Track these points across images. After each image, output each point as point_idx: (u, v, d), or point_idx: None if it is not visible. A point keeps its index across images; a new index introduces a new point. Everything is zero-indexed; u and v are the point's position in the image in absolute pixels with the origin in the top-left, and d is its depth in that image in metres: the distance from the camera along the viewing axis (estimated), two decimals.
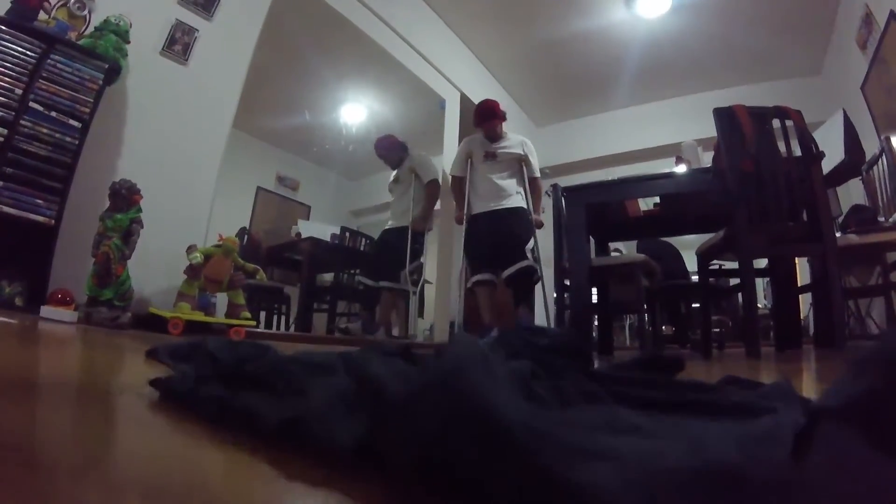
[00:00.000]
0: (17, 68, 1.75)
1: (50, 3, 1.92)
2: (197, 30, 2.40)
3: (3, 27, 1.73)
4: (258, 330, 2.52)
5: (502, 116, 3.31)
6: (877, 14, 3.23)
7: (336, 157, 5.03)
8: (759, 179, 1.82)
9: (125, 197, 1.93)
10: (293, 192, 5.18)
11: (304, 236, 4.18)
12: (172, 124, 2.33)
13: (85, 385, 0.62)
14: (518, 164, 3.29)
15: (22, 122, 1.74)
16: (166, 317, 2.00)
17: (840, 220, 2.63)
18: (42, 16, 1.88)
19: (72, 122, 1.85)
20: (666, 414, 0.36)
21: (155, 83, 2.26)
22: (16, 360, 0.73)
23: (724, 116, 1.91)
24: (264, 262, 3.93)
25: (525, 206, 3.21)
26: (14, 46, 1.75)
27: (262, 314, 4.22)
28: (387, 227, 3.66)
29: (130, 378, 0.78)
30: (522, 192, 3.25)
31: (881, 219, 2.32)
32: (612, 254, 3.72)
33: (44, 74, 1.79)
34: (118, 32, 2.01)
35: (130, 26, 2.08)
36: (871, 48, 3.38)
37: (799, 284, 2.71)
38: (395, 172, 3.70)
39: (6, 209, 1.70)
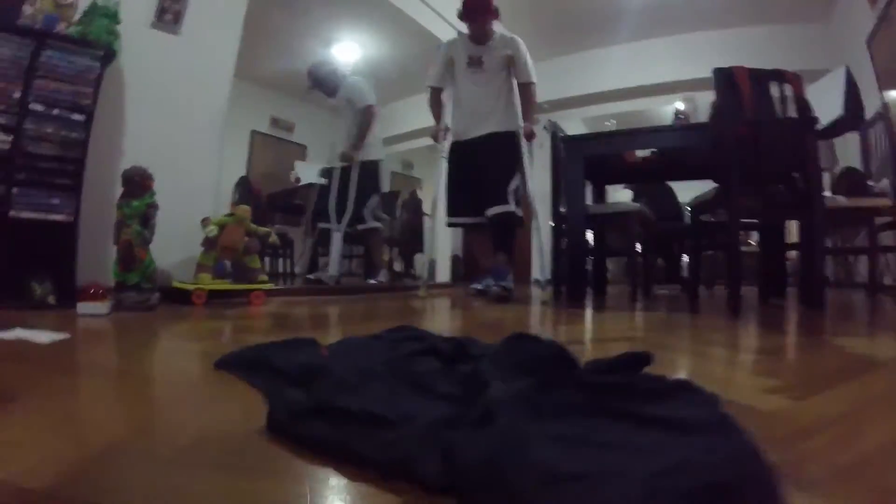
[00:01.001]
0: (12, 71, 1.69)
1: None
2: None
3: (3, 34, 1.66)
4: (274, 287, 2.60)
5: (495, 13, 2.71)
6: None
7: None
8: (755, 143, 1.86)
9: (139, 183, 1.95)
10: (288, 134, 5.10)
11: (302, 181, 4.20)
12: (172, 96, 2.29)
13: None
14: (507, 71, 2.75)
15: (26, 125, 1.71)
16: (190, 289, 2.11)
17: (836, 172, 2.69)
18: (28, 10, 1.78)
19: (75, 116, 1.82)
20: (636, 427, 0.48)
21: (149, 57, 2.19)
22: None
23: (723, 78, 1.90)
24: (265, 210, 3.98)
25: (513, 130, 2.72)
26: (3, 49, 1.68)
27: (268, 260, 4.32)
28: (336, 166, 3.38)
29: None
30: (513, 106, 2.74)
31: (871, 183, 2.38)
32: (611, 197, 3.77)
33: (39, 73, 1.74)
34: (108, 15, 1.92)
35: (118, 4, 1.99)
36: (881, 4, 3.26)
37: (787, 239, 2.82)
38: (333, 102, 3.44)
39: (25, 214, 1.73)
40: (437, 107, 2.91)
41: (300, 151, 5.09)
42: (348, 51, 4.43)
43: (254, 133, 4.71)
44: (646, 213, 2.86)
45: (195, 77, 2.38)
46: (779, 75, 1.87)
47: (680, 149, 2.46)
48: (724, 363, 1.08)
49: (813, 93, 2.43)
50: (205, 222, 2.26)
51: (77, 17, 1.92)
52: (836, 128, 2.38)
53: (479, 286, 2.89)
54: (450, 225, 2.94)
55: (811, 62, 4.05)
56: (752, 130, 1.83)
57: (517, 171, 2.72)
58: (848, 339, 1.37)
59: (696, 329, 1.62)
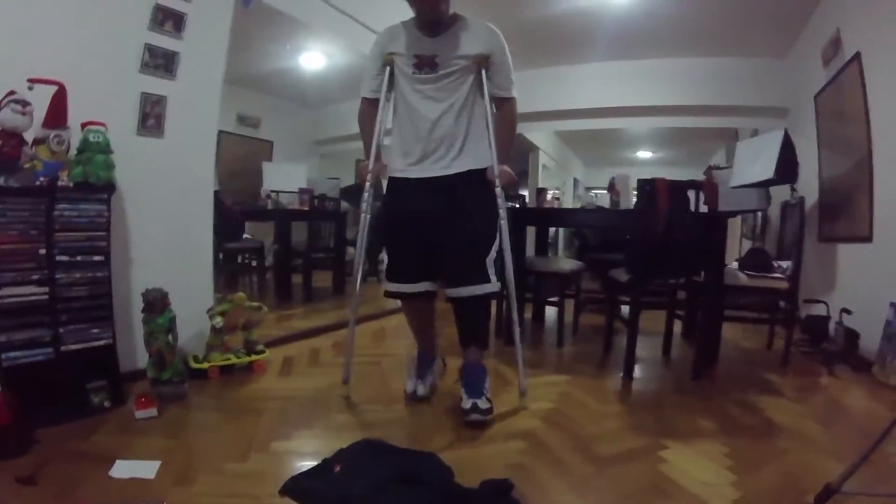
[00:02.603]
0: (34, 231, 1.84)
1: (27, 147, 1.85)
2: (165, 96, 2.34)
3: (9, 196, 1.78)
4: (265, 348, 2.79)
5: None
6: (845, 43, 3.10)
7: (294, 87, 4.78)
8: (666, 242, 2.26)
9: (159, 302, 2.22)
10: (255, 130, 5.03)
11: (270, 188, 4.32)
12: (159, 192, 2.42)
13: None
14: (475, 75, 1.92)
15: (57, 275, 1.89)
16: (205, 368, 2.50)
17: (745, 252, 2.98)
18: (26, 162, 1.85)
19: (96, 258, 1.99)
20: None
21: (136, 161, 2.26)
22: None
23: (645, 188, 2.26)
24: (239, 223, 4.14)
25: (488, 165, 1.94)
26: (22, 212, 1.81)
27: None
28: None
29: None
30: (484, 132, 1.96)
31: (776, 264, 2.79)
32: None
33: (57, 227, 1.88)
34: (102, 149, 1.99)
35: (107, 130, 2.04)
36: (833, 69, 3.26)
37: None
38: None
39: (74, 346, 1.97)
40: (368, 126, 2.07)
41: (267, 148, 5.06)
42: (314, 60, 4.32)
43: (221, 134, 4.59)
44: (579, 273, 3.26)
45: (181, 177, 2.51)
46: (694, 185, 2.23)
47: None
48: None
49: (750, 147, 2.73)
50: (211, 314, 2.56)
51: (71, 152, 1.97)
52: (767, 183, 2.64)
53: (415, 385, 2.19)
54: (389, 295, 2.13)
55: (767, 98, 4.35)
56: (666, 230, 2.22)
57: (497, 237, 1.97)
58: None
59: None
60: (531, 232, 3.56)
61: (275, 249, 4.50)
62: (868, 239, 2.58)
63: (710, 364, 2.72)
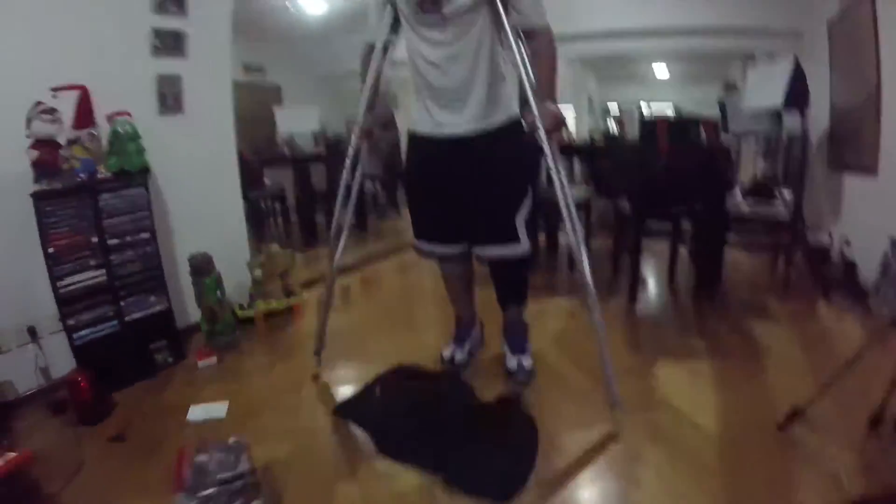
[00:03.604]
0: (84, 223, 2.02)
1: (62, 150, 1.96)
2: (179, 75, 2.42)
3: (55, 198, 1.93)
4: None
5: None
6: None
7: (296, 28, 4.62)
8: (667, 177, 2.32)
9: (204, 266, 2.45)
10: (261, 77, 4.97)
11: (283, 133, 4.37)
12: (187, 164, 2.55)
13: None
14: (489, 11, 1.62)
15: (111, 258, 2.10)
16: (251, 316, 2.75)
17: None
18: (64, 164, 1.97)
19: (143, 235, 2.19)
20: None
21: (162, 140, 2.36)
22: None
23: (646, 128, 2.29)
24: (259, 172, 4.25)
25: (514, 116, 1.76)
26: (69, 210, 1.97)
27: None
28: None
29: None
30: (503, 77, 1.73)
31: (779, 191, 2.75)
32: None
33: (103, 216, 2.06)
34: (131, 138, 2.12)
35: (131, 118, 2.15)
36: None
37: None
38: None
39: (136, 315, 2.22)
40: (365, 74, 1.85)
41: (276, 93, 5.03)
42: (313, 4, 4.15)
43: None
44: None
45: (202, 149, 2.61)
46: (697, 124, 2.26)
47: None
48: None
49: (761, 72, 2.65)
50: (249, 265, 2.80)
51: (104, 143, 2.10)
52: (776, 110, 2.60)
53: (452, 352, 2.14)
54: (423, 255, 2.04)
55: (782, 21, 4.01)
56: (667, 167, 2.29)
57: (529, 189, 1.82)
58: None
59: None
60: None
61: (296, 194, 4.67)
62: (873, 171, 2.55)
63: (712, 288, 2.84)
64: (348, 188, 1.98)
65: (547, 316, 2.66)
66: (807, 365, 2.06)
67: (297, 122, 4.57)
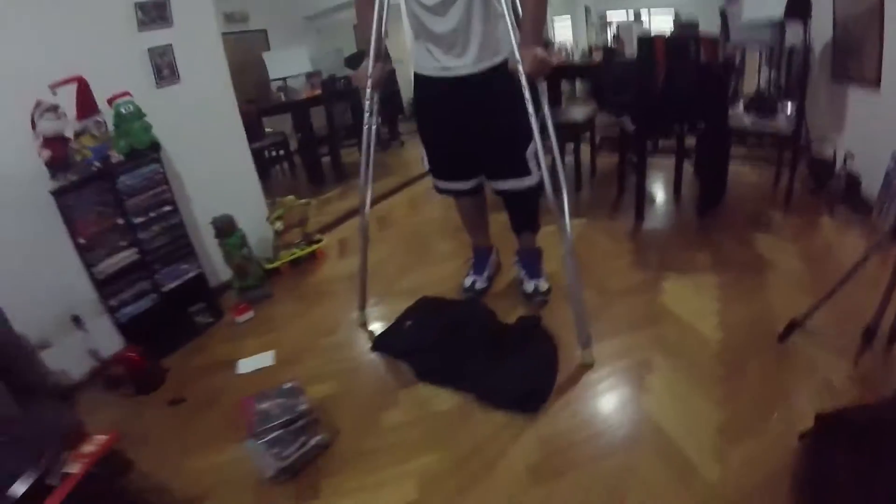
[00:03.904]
0: (109, 209, 2.10)
1: (71, 143, 1.99)
2: (169, 44, 2.39)
3: (74, 191, 1.99)
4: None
5: None
6: None
7: None
8: (667, 95, 2.29)
9: (227, 227, 2.57)
10: (245, 25, 4.76)
11: (274, 77, 4.26)
12: (193, 131, 2.59)
13: None
14: None
15: (140, 236, 2.20)
16: (278, 266, 2.90)
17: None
18: (76, 156, 2.01)
19: (165, 208, 2.29)
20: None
21: (164, 112, 2.37)
22: None
23: (643, 46, 2.23)
24: (258, 123, 4.22)
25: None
26: (91, 198, 2.04)
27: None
28: None
29: None
30: (504, 14, 1.59)
31: (783, 106, 2.64)
32: None
33: (124, 197, 2.13)
34: (137, 116, 2.15)
35: (130, 98, 2.16)
36: None
37: None
38: None
39: (172, 284, 2.37)
40: (364, 17, 1.82)
41: (262, 39, 4.82)
42: None
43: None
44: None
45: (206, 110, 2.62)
46: (696, 41, 2.19)
47: None
48: None
49: None
50: (271, 219, 2.90)
51: (110, 127, 2.13)
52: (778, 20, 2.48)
53: (473, 280, 2.29)
54: (441, 192, 2.15)
55: None
56: (666, 85, 2.26)
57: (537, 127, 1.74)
58: None
59: None
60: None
61: (298, 139, 4.65)
62: (876, 84, 2.46)
63: (716, 202, 2.86)
64: (369, 142, 1.97)
65: (557, 237, 2.75)
66: (808, 278, 2.12)
67: (288, 65, 4.45)
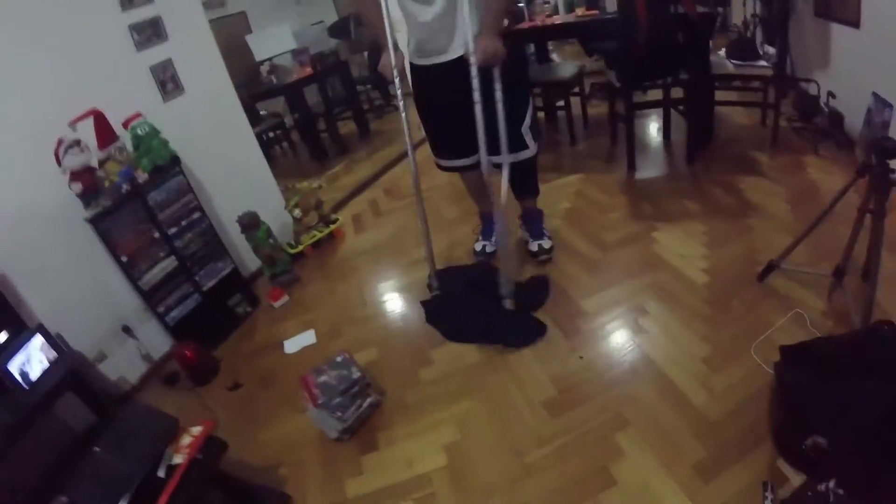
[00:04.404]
0: (143, 224, 2.26)
1: (98, 171, 2.13)
2: (169, 58, 2.49)
3: (110, 216, 2.13)
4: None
5: None
6: None
7: None
8: (649, 49, 2.37)
9: (253, 222, 2.76)
10: (224, 10, 4.69)
11: (260, 59, 4.27)
12: (205, 136, 2.73)
13: None
14: None
15: (176, 244, 2.39)
16: (301, 250, 3.10)
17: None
18: (104, 182, 2.15)
19: (195, 215, 2.47)
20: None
21: (175, 123, 2.49)
22: None
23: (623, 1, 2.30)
24: (253, 108, 4.27)
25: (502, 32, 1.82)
26: (126, 219, 2.18)
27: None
28: None
29: None
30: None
31: (763, 50, 2.66)
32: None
33: (156, 212, 2.28)
34: (154, 135, 2.28)
35: (143, 119, 2.27)
36: None
37: None
38: None
39: (210, 283, 2.57)
40: (371, 12, 1.88)
41: (243, 21, 4.76)
42: None
43: None
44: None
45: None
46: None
47: None
48: None
49: None
50: (288, 207, 3.08)
51: (129, 148, 2.25)
52: None
53: (483, 244, 2.51)
54: (445, 170, 2.30)
55: None
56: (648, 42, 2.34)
57: (530, 98, 2.06)
58: None
59: None
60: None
61: (294, 118, 4.71)
62: (856, 24, 2.47)
63: (705, 147, 2.96)
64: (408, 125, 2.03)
65: (556, 194, 2.93)
66: (791, 218, 2.25)
67: (272, 44, 4.42)
